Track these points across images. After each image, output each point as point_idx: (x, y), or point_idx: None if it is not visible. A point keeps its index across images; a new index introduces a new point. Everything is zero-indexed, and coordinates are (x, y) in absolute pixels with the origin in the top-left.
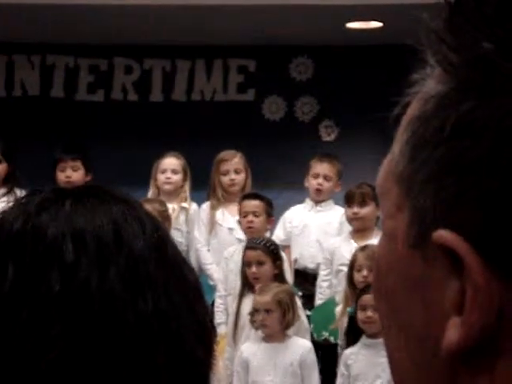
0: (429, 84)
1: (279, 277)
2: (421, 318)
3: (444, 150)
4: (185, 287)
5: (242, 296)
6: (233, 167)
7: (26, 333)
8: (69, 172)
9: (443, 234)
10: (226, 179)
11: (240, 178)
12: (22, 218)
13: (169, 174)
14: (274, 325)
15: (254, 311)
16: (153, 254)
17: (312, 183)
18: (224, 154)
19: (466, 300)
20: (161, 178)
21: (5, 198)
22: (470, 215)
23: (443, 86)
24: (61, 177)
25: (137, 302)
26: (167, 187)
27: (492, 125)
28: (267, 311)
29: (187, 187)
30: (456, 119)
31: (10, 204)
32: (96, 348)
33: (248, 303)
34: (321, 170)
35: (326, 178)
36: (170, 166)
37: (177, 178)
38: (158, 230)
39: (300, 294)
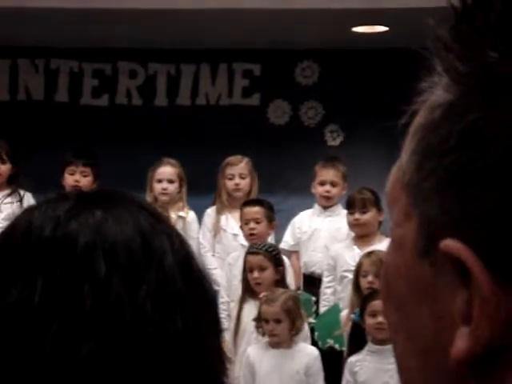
0: (436, 92)
1: (281, 282)
2: (429, 326)
3: (451, 159)
4: (208, 303)
5: (243, 301)
6: (238, 172)
7: (54, 348)
8: (78, 176)
9: (450, 244)
10: (230, 184)
11: (245, 183)
12: (51, 224)
13: (165, 184)
14: (284, 334)
15: (263, 321)
16: (181, 271)
17: (319, 190)
18: (230, 159)
19: (474, 310)
20: (157, 187)
21: (9, 199)
22: (476, 225)
23: (450, 94)
24: (69, 180)
25: (166, 322)
26: (164, 198)
27: (498, 135)
28: (277, 321)
29: (184, 195)
30: (462, 129)
31: (18, 205)
32: (125, 368)
33: (249, 308)
34: (327, 177)
35: (332, 183)
36: (166, 176)
37: (173, 187)
38: (184, 245)
39: (314, 299)
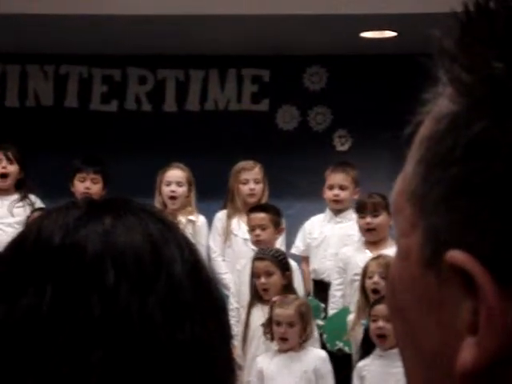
0: (441, 103)
1: (288, 287)
2: (435, 337)
3: (456, 170)
4: (217, 312)
5: (251, 307)
6: (252, 177)
7: (63, 357)
8: (88, 184)
9: (456, 255)
10: (245, 188)
11: (259, 188)
12: (60, 232)
13: (173, 187)
14: (295, 338)
15: (275, 324)
16: (190, 279)
17: (328, 195)
18: (244, 164)
19: (480, 321)
20: (165, 191)
21: (21, 203)
22: (482, 236)
23: (455, 105)
24: (79, 187)
25: (175, 331)
26: (172, 202)
27: (505, 145)
28: (290, 324)
29: (193, 199)
30: (468, 139)
31: (34, 212)
32: (134, 377)
33: (257, 314)
34: (335, 181)
35: (341, 187)
36: (175, 179)
37: (182, 191)
38: (193, 253)
39: (323, 306)
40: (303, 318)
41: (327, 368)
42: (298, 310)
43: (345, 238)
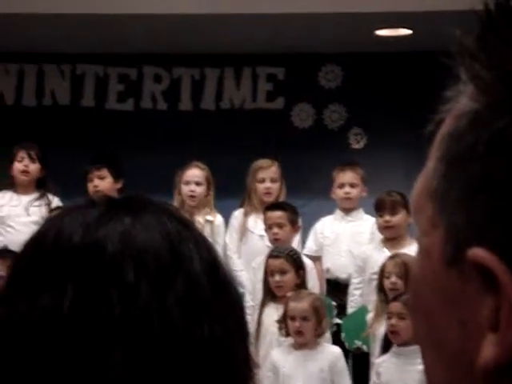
0: (462, 101)
1: (301, 286)
2: (456, 334)
3: (477, 167)
4: (235, 310)
5: (264, 305)
6: (269, 176)
7: (83, 357)
8: (96, 181)
9: (477, 253)
10: (261, 187)
11: (275, 186)
12: (80, 231)
13: (192, 187)
14: (310, 333)
15: (290, 319)
16: (208, 277)
17: (339, 193)
18: (262, 162)
19: (502, 318)
20: (185, 190)
21: (38, 202)
22: (503, 234)
23: (476, 103)
24: (90, 187)
25: (194, 329)
26: (191, 201)
27: None
28: (304, 318)
29: (211, 198)
30: (489, 137)
31: (53, 211)
32: (154, 375)
33: (270, 312)
34: (345, 180)
35: (352, 185)
36: (194, 178)
37: (200, 190)
38: (211, 252)
39: (334, 303)
40: (318, 313)
41: (342, 365)
42: (312, 305)
43: (357, 235)
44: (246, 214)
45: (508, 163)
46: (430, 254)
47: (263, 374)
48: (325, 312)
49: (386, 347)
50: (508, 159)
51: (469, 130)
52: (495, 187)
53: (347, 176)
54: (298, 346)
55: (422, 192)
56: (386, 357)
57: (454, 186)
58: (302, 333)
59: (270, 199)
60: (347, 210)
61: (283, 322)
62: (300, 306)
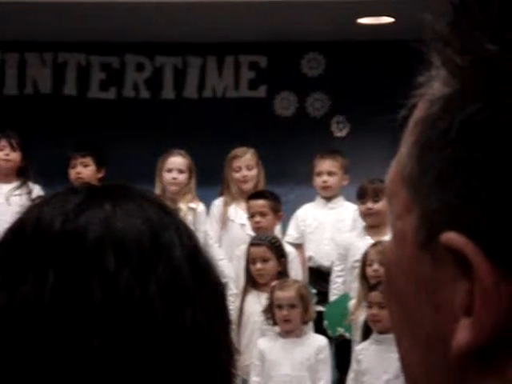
0: (435, 86)
1: (283, 273)
2: (431, 319)
3: (451, 151)
4: (216, 296)
5: (245, 292)
6: (244, 164)
7: (65, 343)
8: (79, 168)
9: (451, 236)
10: (238, 176)
11: (252, 174)
12: (60, 218)
13: (175, 174)
14: (297, 320)
15: (276, 307)
16: (189, 264)
17: (317, 181)
18: (236, 151)
19: (475, 301)
20: (166, 177)
21: (18, 191)
22: (477, 217)
23: (449, 87)
24: (72, 174)
25: (175, 315)
26: (173, 188)
27: (498, 126)
28: (291, 306)
29: (193, 186)
30: (462, 121)
31: (27, 198)
32: (135, 361)
33: (251, 300)
34: (323, 168)
35: (329, 173)
36: (176, 166)
37: (183, 177)
38: (192, 239)
39: (314, 291)
40: (304, 300)
41: (326, 354)
42: (298, 292)
43: (339, 223)
44: (226, 204)
45: (481, 146)
46: (403, 239)
47: (251, 362)
48: (310, 299)
49: (366, 334)
50: (481, 142)
51: (442, 115)
52: (468, 171)
53: (326, 164)
54: (285, 334)
55: (396, 177)
56: (366, 344)
57: (428, 170)
58: (289, 321)
59: (248, 186)
60: (327, 198)
61: (269, 311)
62: (287, 294)
